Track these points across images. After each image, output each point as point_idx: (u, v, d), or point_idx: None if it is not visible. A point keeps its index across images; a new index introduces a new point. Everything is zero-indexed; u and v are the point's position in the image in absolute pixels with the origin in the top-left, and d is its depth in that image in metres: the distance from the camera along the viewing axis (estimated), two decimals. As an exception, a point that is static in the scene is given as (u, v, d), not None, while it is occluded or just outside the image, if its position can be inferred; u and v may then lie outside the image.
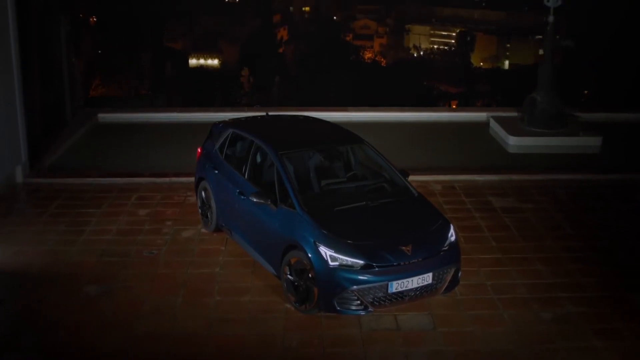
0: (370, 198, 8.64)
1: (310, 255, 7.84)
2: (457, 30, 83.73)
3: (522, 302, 8.46)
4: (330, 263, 7.72)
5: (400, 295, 7.83)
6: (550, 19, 14.50)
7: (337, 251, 7.73)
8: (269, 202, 8.47)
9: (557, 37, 14.83)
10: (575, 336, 7.77)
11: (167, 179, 12.14)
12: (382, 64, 74.58)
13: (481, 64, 77.84)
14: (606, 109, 17.03)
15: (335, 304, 7.74)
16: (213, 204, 9.84)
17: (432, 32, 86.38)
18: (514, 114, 15.70)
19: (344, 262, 7.71)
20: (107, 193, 11.58)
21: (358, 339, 7.69)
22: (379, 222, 8.31)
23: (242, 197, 9.03)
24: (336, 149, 9.52)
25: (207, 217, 10.12)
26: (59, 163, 13.06)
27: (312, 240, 7.86)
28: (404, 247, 7.89)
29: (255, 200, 8.59)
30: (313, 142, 9.54)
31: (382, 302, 7.80)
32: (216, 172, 9.77)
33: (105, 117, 15.82)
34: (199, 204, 10.33)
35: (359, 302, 7.73)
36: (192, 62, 70.94)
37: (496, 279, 8.99)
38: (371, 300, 7.73)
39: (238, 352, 7.45)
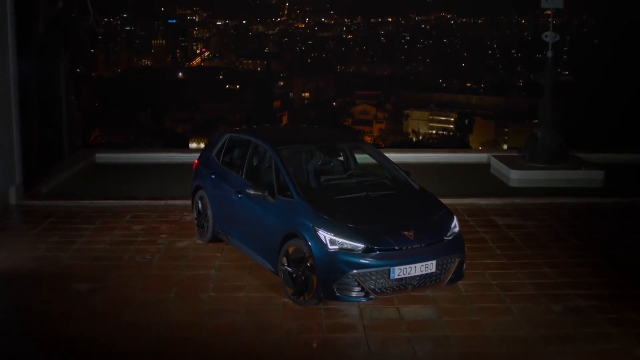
0: (371, 190, 8.42)
1: (309, 242, 7.54)
2: (455, 116, 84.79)
3: (530, 297, 8.12)
4: (330, 247, 7.42)
5: (403, 282, 7.50)
6: (549, 54, 14.57)
7: (336, 234, 7.45)
8: (266, 194, 8.24)
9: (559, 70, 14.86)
10: (588, 324, 7.41)
11: (163, 202, 11.89)
12: (382, 146, 75.09)
13: (480, 147, 78.40)
14: (607, 150, 16.89)
15: (335, 289, 7.39)
16: (209, 212, 9.59)
17: (430, 117, 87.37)
18: (515, 154, 15.61)
19: (344, 246, 7.41)
20: (102, 213, 11.32)
21: (359, 326, 7.32)
22: (380, 209, 8.06)
23: (240, 195, 8.80)
24: (335, 147, 9.34)
25: (203, 227, 9.84)
26: (54, 192, 12.81)
27: (311, 225, 7.58)
28: (406, 232, 7.61)
29: (252, 192, 8.35)
30: (311, 140, 9.38)
31: (384, 290, 7.45)
32: (213, 176, 9.56)
33: (103, 156, 15.68)
34: (195, 214, 10.07)
35: (359, 288, 7.38)
36: (193, 145, 71.59)
37: (502, 279, 8.66)
38: (372, 286, 7.39)
39: (233, 338, 7.06)
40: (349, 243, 7.42)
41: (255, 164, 9.14)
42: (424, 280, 7.62)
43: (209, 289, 8.27)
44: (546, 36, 14.55)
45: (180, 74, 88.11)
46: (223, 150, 9.70)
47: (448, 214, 8.16)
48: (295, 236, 7.78)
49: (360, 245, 7.41)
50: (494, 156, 15.44)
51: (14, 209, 11.54)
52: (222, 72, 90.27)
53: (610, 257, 9.49)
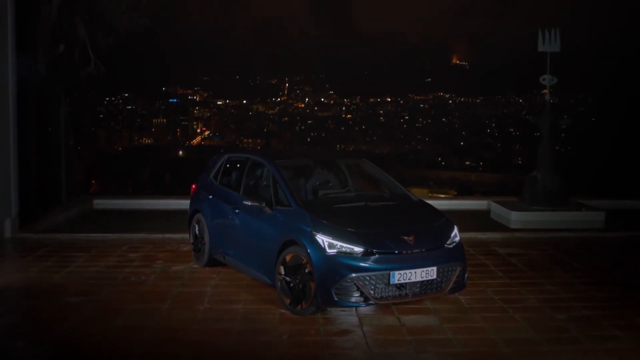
0: (370, 201, 8.32)
1: (307, 247, 7.39)
2: (455, 192, 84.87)
3: (534, 308, 7.94)
4: (328, 250, 7.27)
5: (403, 288, 7.31)
6: (547, 97, 14.65)
7: (335, 238, 7.31)
8: (264, 205, 8.14)
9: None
10: (595, 328, 7.24)
11: (160, 235, 11.73)
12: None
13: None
14: (608, 197, 16.76)
15: (334, 294, 7.19)
16: (206, 235, 9.45)
17: (430, 194, 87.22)
18: (514, 199, 15.50)
19: (343, 249, 7.26)
20: (98, 244, 11.15)
21: (358, 332, 7.11)
22: (379, 216, 7.94)
23: (237, 210, 8.69)
24: (334, 163, 9.25)
25: (199, 251, 9.68)
26: (50, 229, 12.62)
27: (309, 230, 7.45)
28: (405, 237, 7.47)
29: (249, 203, 8.26)
30: (310, 156, 9.32)
31: (384, 296, 7.25)
32: (210, 197, 9.47)
33: (101, 202, 15.54)
34: (191, 239, 9.92)
35: (358, 293, 7.19)
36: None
37: (504, 294, 8.47)
38: (372, 291, 7.20)
39: (229, 340, 6.86)
40: (347, 246, 7.27)
41: (252, 181, 9.06)
42: (425, 287, 7.43)
43: (204, 302, 8.08)
44: (544, 79, 14.63)
45: (180, 152, 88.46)
46: (221, 172, 9.63)
47: (448, 223, 8.04)
48: (293, 244, 7.64)
49: (359, 249, 7.26)
50: (494, 201, 15.32)
51: (8, 241, 11.37)
52: (222, 151, 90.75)
53: (613, 276, 9.35)
